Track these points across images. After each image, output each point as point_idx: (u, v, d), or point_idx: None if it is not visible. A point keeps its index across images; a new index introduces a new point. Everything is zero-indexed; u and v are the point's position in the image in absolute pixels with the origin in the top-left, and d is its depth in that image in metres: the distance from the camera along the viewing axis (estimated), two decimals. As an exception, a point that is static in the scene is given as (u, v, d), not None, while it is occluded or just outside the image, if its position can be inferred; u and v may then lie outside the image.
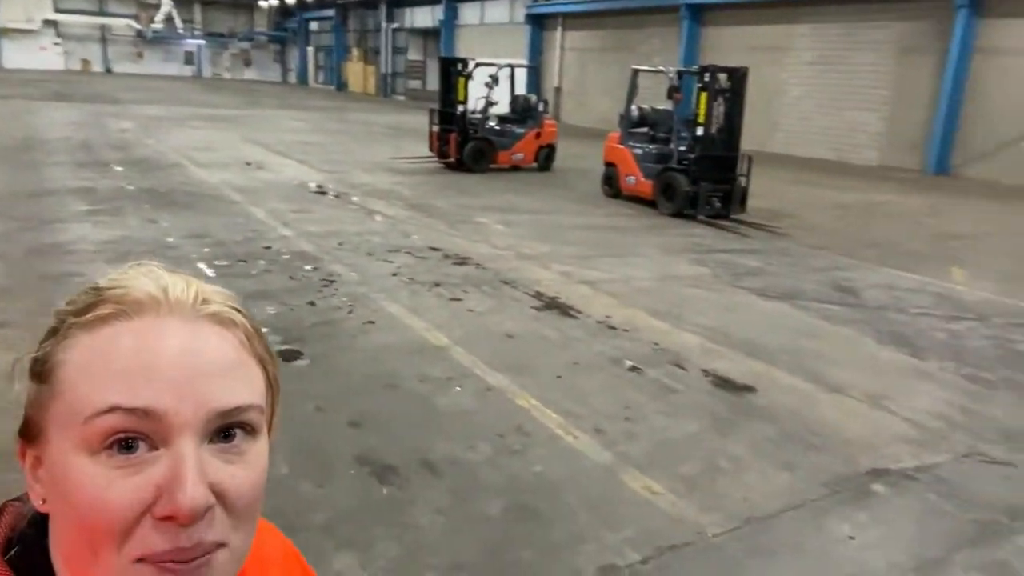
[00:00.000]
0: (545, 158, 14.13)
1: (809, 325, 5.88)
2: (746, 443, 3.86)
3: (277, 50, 53.60)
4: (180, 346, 0.50)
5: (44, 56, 45.12)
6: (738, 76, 9.90)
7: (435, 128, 13.67)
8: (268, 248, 7.05)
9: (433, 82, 35.39)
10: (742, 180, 9.97)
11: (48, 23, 45.07)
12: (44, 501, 0.52)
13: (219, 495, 0.49)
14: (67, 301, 0.53)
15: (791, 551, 2.99)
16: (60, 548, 0.51)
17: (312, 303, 5.51)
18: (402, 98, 38.38)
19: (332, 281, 6.10)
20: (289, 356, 4.51)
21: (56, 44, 46.12)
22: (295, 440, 3.50)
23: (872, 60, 17.73)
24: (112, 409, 0.47)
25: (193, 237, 7.26)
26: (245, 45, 52.29)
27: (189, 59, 51.00)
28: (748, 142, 10.28)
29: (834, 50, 18.55)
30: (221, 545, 0.50)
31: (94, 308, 0.51)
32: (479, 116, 13.59)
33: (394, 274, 6.43)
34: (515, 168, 13.89)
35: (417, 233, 8.17)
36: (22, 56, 44.12)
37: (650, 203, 10.67)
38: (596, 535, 2.99)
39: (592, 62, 25.77)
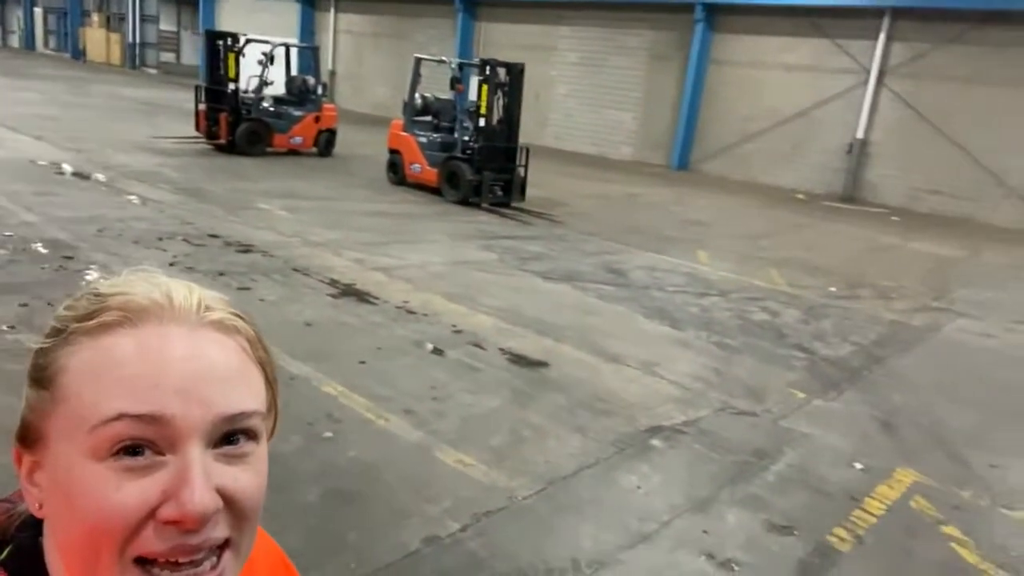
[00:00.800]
0: (326, 143, 13.73)
1: (588, 304, 6.43)
2: (543, 412, 4.17)
3: (-5, 7, 45.85)
4: (185, 353, 0.50)
5: None
6: (516, 71, 10.41)
7: (202, 107, 12.67)
8: (10, 236, 6.14)
9: (189, 56, 32.63)
10: (521, 170, 10.53)
11: None
12: (41, 506, 0.51)
13: (225, 499, 0.50)
14: (66, 306, 0.53)
15: (591, 505, 3.32)
16: (59, 551, 0.51)
17: (71, 295, 4.92)
18: (154, 71, 34.81)
19: (92, 274, 5.49)
20: (58, 354, 4.02)
21: None
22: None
23: (627, 64, 19.49)
24: (119, 416, 0.48)
25: (-94, 222, 6.10)
26: (-52, -3, 44.07)
27: None
28: (521, 136, 10.86)
29: (594, 52, 20.11)
30: (227, 542, 0.51)
31: (97, 315, 0.51)
32: (253, 96, 12.84)
33: (170, 263, 5.93)
34: (293, 152, 13.35)
35: (191, 219, 7.59)
36: None
37: (435, 191, 10.87)
38: (417, 509, 3.09)
39: (368, 47, 25.41)
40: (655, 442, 3.99)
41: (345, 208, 9.29)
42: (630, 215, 11.44)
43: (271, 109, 13.20)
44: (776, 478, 3.77)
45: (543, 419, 4.10)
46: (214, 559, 0.50)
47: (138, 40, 36.13)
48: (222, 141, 12.52)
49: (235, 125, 12.40)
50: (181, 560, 0.49)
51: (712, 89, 17.94)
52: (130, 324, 0.51)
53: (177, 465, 0.48)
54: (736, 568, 2.99)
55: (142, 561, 0.48)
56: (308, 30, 26.55)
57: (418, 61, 11.62)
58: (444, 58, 12.01)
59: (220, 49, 12.55)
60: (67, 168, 9.44)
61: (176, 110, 15.08)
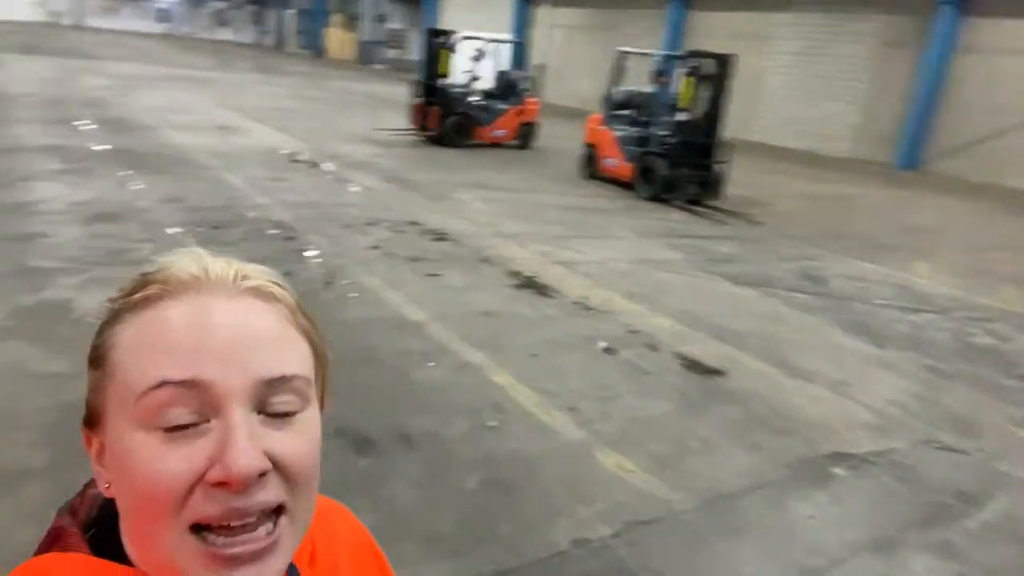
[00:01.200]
0: (526, 136, 14.12)
1: (778, 312, 6.03)
2: (714, 424, 3.99)
3: (254, 11, 52.35)
4: (224, 320, 0.51)
5: (15, 5, 43.52)
6: (725, 63, 9.97)
7: (417, 100, 13.57)
8: (245, 216, 7.01)
9: (414, 52, 34.93)
10: (720, 167, 10.09)
11: (17, -28, 43.46)
12: (109, 486, 0.53)
13: (273, 461, 0.50)
14: (118, 289, 0.55)
15: (755, 529, 3.12)
16: (125, 527, 0.52)
17: (288, 273, 5.50)
18: (381, 67, 37.85)
19: (309, 252, 6.09)
20: (268, 326, 4.53)
21: (25, -7, 44.52)
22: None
23: (852, 51, 17.92)
24: (162, 384, 0.49)
25: (167, 201, 7.17)
26: (222, 4, 51.02)
27: (163, 16, 49.65)
28: (726, 130, 10.39)
29: (816, 40, 18.71)
30: (281, 507, 0.51)
31: (140, 291, 0.53)
32: (462, 90, 13.51)
33: (373, 247, 6.44)
34: (495, 144, 13.87)
35: (396, 207, 8.17)
36: (-12, 5, 42.51)
37: (628, 186, 10.75)
38: (570, 510, 3.09)
39: (578, 40, 25.65)
40: (837, 470, 3.66)
41: (536, 201, 9.49)
42: (840, 218, 10.55)
43: (478, 103, 13.80)
44: (979, 526, 3.30)
45: (712, 431, 3.92)
46: (270, 525, 0.50)
47: (370, 38, 39.44)
48: (432, 133, 13.32)
49: (444, 118, 13.12)
50: (234, 524, 0.49)
51: (955, 78, 15.97)
52: (170, 296, 0.52)
53: (221, 430, 0.49)
54: (917, 624, 2.67)
55: (197, 529, 0.49)
56: (521, 24, 27.35)
57: (621, 54, 11.52)
58: (649, 51, 11.80)
59: (436, 46, 13.36)
60: (298, 157, 10.56)
61: (396, 103, 16.27)
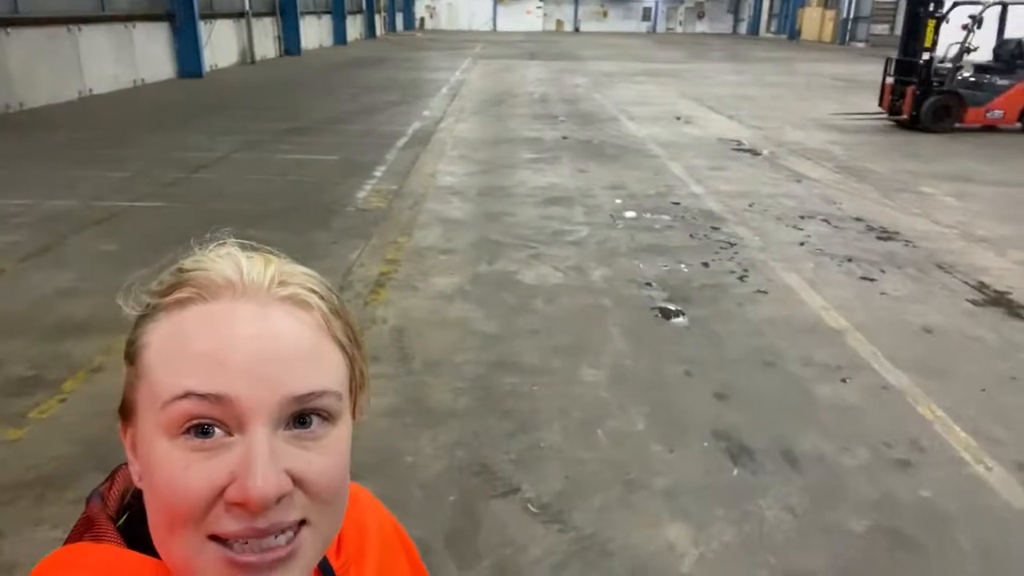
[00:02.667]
0: (1033, 117, 11.39)
1: None
2: None
3: (731, 1, 52.77)
4: (253, 331, 0.50)
5: (527, 19, 52.10)
6: None
7: (890, 80, 12.03)
8: (676, 204, 7.14)
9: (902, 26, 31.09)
10: None
11: (534, -11, 51.76)
12: (140, 478, 0.53)
13: (297, 481, 0.49)
14: (156, 282, 0.54)
15: None
16: (150, 523, 0.52)
17: (706, 264, 5.43)
18: (862, 45, 34.59)
19: (732, 244, 5.91)
20: (669, 314, 4.55)
21: (538, 8, 52.74)
22: (657, 400, 3.55)
23: None
24: (186, 395, 0.48)
25: (611, 188, 7.72)
26: (700, -2, 52.74)
27: (646, 15, 53.49)
28: None
29: None
30: (303, 521, 0.50)
31: (175, 290, 0.52)
32: (949, 65, 11.51)
33: (801, 243, 5.94)
34: (988, 128, 11.51)
35: (841, 200, 7.40)
36: (510, 20, 51.72)
37: None
38: (987, 592, 2.43)
39: None
40: None
41: (1034, 197, 7.59)
42: None
43: (970, 79, 11.60)
44: None
45: None
46: (290, 534, 0.49)
47: (851, 14, 36.35)
48: (904, 117, 11.69)
49: (922, 99, 11.37)
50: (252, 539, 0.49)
51: None
52: (202, 300, 0.51)
53: (243, 447, 0.48)
54: None
55: (216, 536, 0.49)
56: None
57: None
58: None
59: (920, 16, 11.61)
60: (744, 145, 10.33)
61: (871, 86, 14.67)
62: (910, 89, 11.53)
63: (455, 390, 3.64)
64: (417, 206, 6.94)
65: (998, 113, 11.41)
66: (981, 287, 5.08)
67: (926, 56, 11.32)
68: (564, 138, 10.67)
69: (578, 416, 3.42)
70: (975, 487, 2.97)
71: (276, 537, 0.49)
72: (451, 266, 5.32)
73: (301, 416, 0.50)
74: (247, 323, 0.50)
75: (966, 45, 11.40)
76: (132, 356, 0.53)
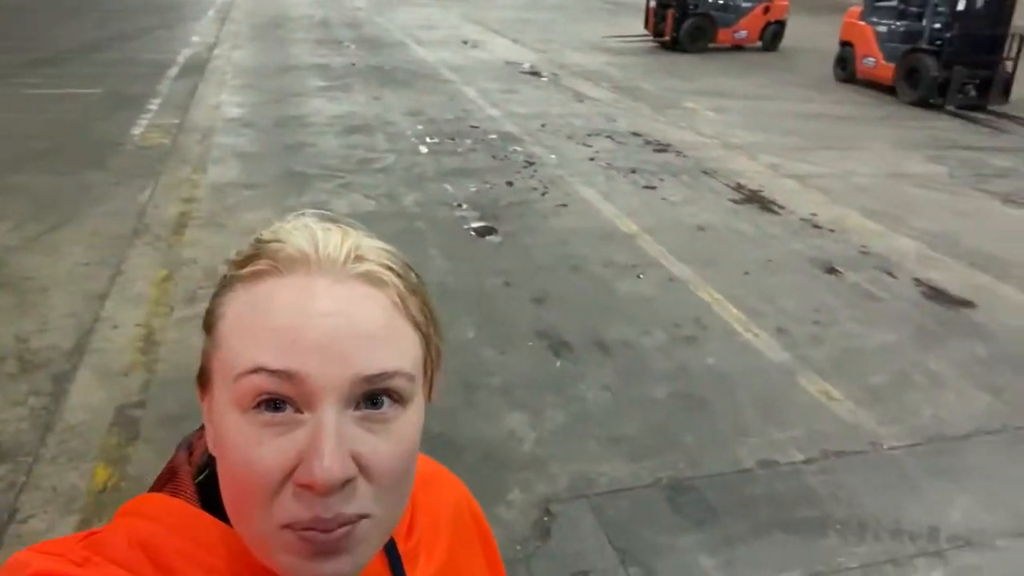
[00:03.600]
0: (772, 36, 12.96)
1: (1061, 239, 5.10)
2: (949, 360, 3.57)
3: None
4: (327, 308, 0.49)
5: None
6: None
7: (652, 4, 12.98)
8: (475, 127, 7.36)
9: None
10: (1008, 64, 8.51)
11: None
12: (215, 446, 0.52)
13: (361, 466, 0.48)
14: (235, 252, 0.53)
15: (975, 474, 2.81)
16: (223, 494, 0.52)
17: (510, 183, 5.75)
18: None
19: (531, 163, 6.27)
20: (483, 232, 4.81)
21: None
22: (483, 310, 3.82)
23: None
24: (258, 370, 0.47)
25: (410, 115, 7.74)
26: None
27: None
28: (1021, 17, 8.67)
29: None
30: (363, 516, 0.49)
31: (252, 262, 0.51)
32: (699, -11, 12.65)
33: (591, 159, 6.46)
34: (737, 48, 12.92)
35: (620, 117, 8.04)
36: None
37: (889, 89, 9.51)
38: (761, 431, 3.01)
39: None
40: (1103, 424, 3.12)
41: (776, 109, 8.77)
42: None
43: (719, 2, 12.85)
44: None
45: (946, 367, 3.51)
46: (349, 526, 0.49)
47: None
48: (667, 38, 12.73)
49: (681, 21, 12.44)
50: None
51: None
52: (278, 274, 0.50)
53: (312, 426, 0.47)
54: None
55: (288, 528, 0.49)
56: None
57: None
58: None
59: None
60: (531, 68, 10.73)
61: (637, 8, 15.69)
62: (670, 12, 12.54)
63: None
64: (207, 140, 6.51)
65: (743, 33, 12.82)
66: (739, 188, 5.89)
67: (681, -19, 12.34)
68: (353, 64, 10.38)
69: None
70: (747, 350, 3.60)
71: (335, 530, 0.49)
72: (258, 201, 5.14)
73: (372, 396, 0.49)
74: (321, 300, 0.49)
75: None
76: (209, 326, 0.52)
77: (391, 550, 0.59)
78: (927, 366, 3.52)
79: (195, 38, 11.88)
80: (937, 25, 8.85)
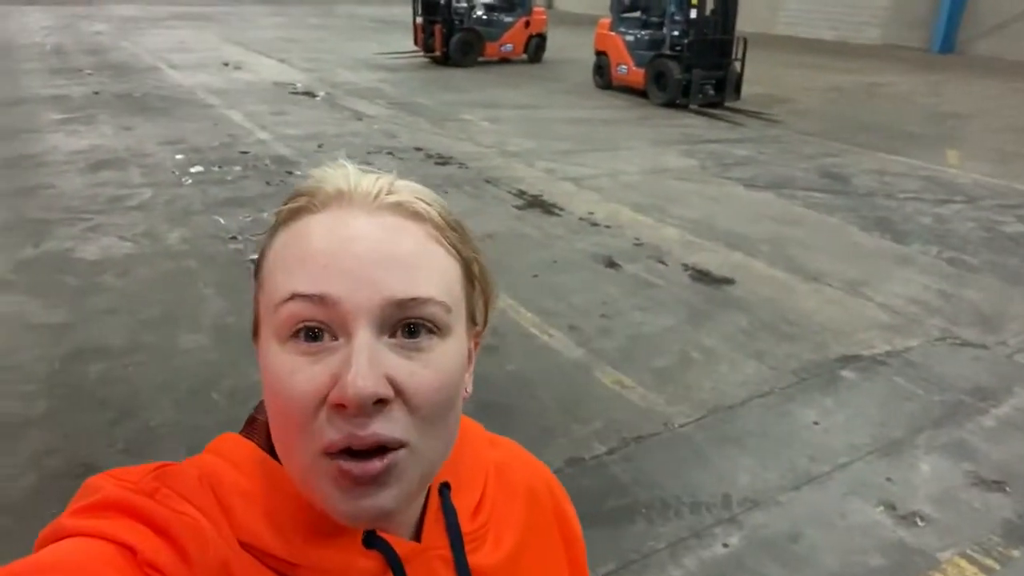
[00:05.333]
0: (536, 48, 13.61)
1: (794, 214, 5.81)
2: (719, 334, 3.89)
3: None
4: (359, 234, 0.50)
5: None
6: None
7: (419, 20, 13.09)
8: (245, 153, 6.90)
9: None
10: (736, 65, 9.62)
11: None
12: (264, 382, 0.54)
13: (398, 391, 0.48)
14: (282, 202, 0.55)
15: (756, 438, 3.06)
16: (272, 433, 0.53)
17: (289, 209, 5.43)
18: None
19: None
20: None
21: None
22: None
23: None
24: (293, 296, 0.49)
25: (168, 144, 7.09)
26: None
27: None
28: (748, 24, 9.88)
29: (841, -81, 17.48)
30: (402, 444, 0.49)
31: (290, 203, 0.53)
32: (464, 5, 12.97)
33: (373, 176, 6.31)
34: (504, 61, 13.41)
35: (399, 133, 7.97)
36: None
37: (642, 93, 10.35)
38: (565, 429, 3.06)
39: (586, -59, 24.38)
40: (846, 373, 3.56)
41: (545, 116, 9.19)
42: (866, 110, 10.05)
43: (483, 17, 13.27)
44: (996, 423, 3.20)
45: (717, 341, 3.82)
46: (387, 453, 0.49)
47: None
48: (437, 53, 12.90)
49: (449, 36, 12.66)
50: (356, 447, 0.48)
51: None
52: (315, 209, 0.52)
53: (346, 348, 0.48)
54: (921, 523, 2.60)
55: (327, 455, 0.49)
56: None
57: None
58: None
59: (436, -41, 12.76)
60: (301, 88, 10.33)
61: (404, 25, 15.78)
62: (437, 28, 12.73)
63: (26, 395, 3.12)
64: (-90, 192, 5.48)
65: (509, 47, 13.34)
66: (521, 193, 6.06)
67: (444, -2, 12.58)
68: (96, 93, 9.34)
69: (187, 386, 3.23)
70: (545, 352, 3.67)
71: (371, 459, 0.48)
72: (-18, 256, 4.39)
73: (408, 325, 0.50)
74: (355, 227, 0.50)
75: (474, -14, 12.95)
76: (256, 271, 0.54)
77: (453, 529, 0.59)
78: (702, 343, 3.81)
79: None
80: (676, 33, 9.79)
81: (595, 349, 3.70)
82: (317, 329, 0.48)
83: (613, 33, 10.82)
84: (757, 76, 10.10)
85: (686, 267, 4.72)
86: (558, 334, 3.83)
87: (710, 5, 9.48)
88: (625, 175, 6.72)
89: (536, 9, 13.66)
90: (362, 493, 0.49)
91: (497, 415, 3.13)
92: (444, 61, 12.82)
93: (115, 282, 4.18)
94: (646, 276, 4.57)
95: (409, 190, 0.54)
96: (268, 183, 6.02)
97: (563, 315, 4.04)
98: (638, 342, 3.80)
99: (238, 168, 6.41)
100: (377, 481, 0.49)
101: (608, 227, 5.36)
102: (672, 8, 10.02)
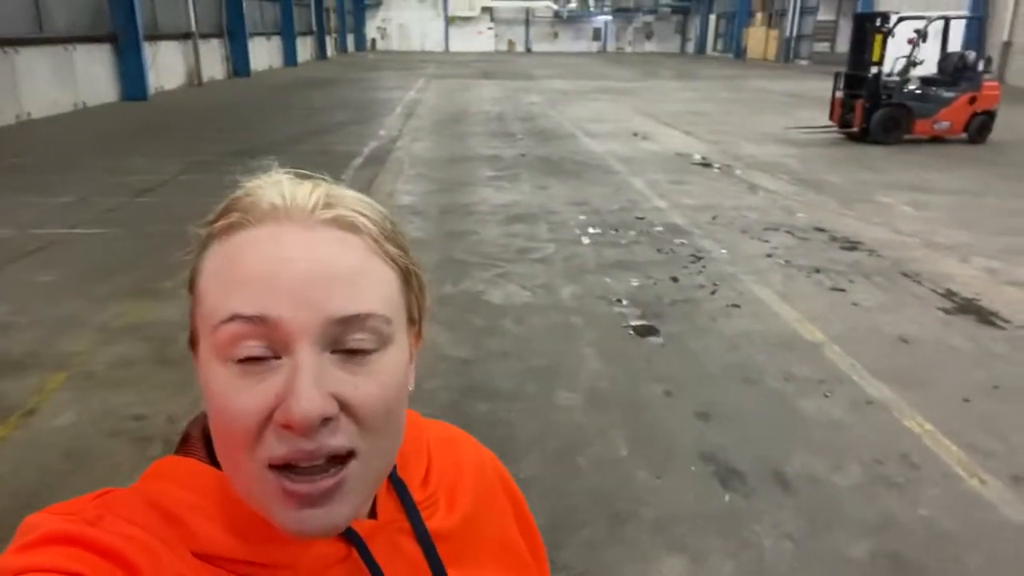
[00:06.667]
0: (979, 128, 11.70)
1: None
2: None
3: (679, 21, 53.88)
4: (297, 253, 0.49)
5: (479, 39, 52.40)
6: None
7: (839, 94, 12.25)
8: (640, 219, 7.04)
9: (843, 44, 32.14)
10: None
11: (485, 10, 52.17)
12: (204, 399, 0.55)
13: (343, 405, 0.48)
14: (211, 212, 0.54)
15: None
16: (215, 446, 0.53)
17: (675, 279, 5.32)
18: (805, 63, 35.58)
19: (699, 258, 5.82)
20: (644, 331, 4.40)
21: (489, 28, 53.09)
22: (639, 423, 3.38)
23: None
24: (233, 317, 0.48)
25: (573, 204, 7.60)
26: (649, 18, 53.70)
27: (596, 35, 54.28)
28: None
29: None
30: (351, 453, 0.49)
31: (225, 216, 0.52)
32: (896, 79, 11.76)
33: (768, 255, 5.89)
34: (935, 139, 11.79)
35: (801, 211, 7.41)
36: (462, 40, 51.95)
37: None
38: (1000, 619, 2.30)
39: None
40: None
41: (988, 205, 7.72)
42: None
43: (916, 91, 11.86)
44: None
45: None
46: (338, 466, 0.49)
47: (794, 33, 37.43)
48: (855, 129, 11.90)
49: (871, 111, 11.59)
50: (303, 464, 0.48)
51: None
52: (249, 225, 0.51)
53: (288, 368, 0.48)
54: None
55: (273, 466, 0.49)
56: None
57: None
58: None
59: (867, 31, 11.88)
60: (702, 160, 10.36)
61: (818, 100, 15.00)
62: (859, 102, 11.75)
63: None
64: (376, 226, 6.70)
65: (945, 124, 11.69)
66: (950, 295, 5.06)
67: (874, 70, 11.57)
68: (523, 155, 10.56)
69: (555, 445, 3.23)
70: (972, 502, 2.87)
71: (326, 471, 0.49)
72: (414, 288, 5.09)
73: (349, 340, 0.49)
74: (291, 246, 0.50)
75: (912, 58, 11.69)
76: (191, 284, 0.54)
77: (405, 497, 0.60)
78: None
79: (382, 131, 12.73)
80: None
81: (1053, 516, 2.77)
82: (259, 349, 0.48)
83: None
84: None
85: None
86: (995, 483, 2.98)
87: None
88: (1104, 288, 5.21)
89: (987, 84, 11.75)
90: (311, 512, 0.49)
91: (899, 571, 2.49)
92: (862, 138, 11.74)
93: (512, 327, 4.48)
94: None
95: (346, 201, 0.53)
96: (659, 250, 6.01)
97: (1002, 458, 3.15)
98: (1123, 523, 2.75)
99: (632, 232, 6.55)
100: (328, 495, 0.49)
101: (1076, 353, 4.14)
102: None
